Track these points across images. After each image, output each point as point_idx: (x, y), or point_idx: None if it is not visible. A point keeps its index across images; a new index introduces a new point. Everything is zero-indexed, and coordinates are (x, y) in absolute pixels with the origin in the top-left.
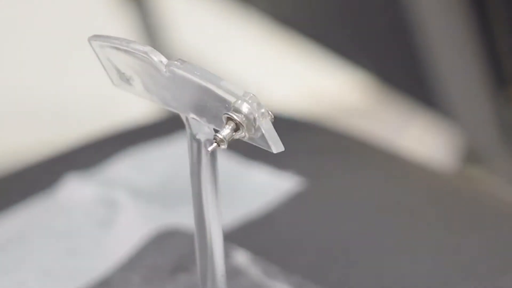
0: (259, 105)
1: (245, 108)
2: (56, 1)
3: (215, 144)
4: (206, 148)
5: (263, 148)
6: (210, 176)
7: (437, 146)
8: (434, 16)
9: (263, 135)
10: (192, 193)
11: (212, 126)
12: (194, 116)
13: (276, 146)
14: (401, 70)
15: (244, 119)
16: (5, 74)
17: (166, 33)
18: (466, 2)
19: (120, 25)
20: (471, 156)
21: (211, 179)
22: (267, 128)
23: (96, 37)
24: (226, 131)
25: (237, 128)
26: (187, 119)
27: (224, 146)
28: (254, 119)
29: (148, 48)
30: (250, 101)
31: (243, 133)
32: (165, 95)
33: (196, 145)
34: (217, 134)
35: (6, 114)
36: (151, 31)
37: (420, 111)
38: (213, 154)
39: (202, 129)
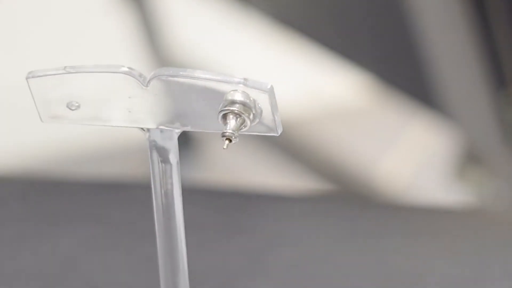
0: (256, 86)
1: (239, 96)
2: (55, 1)
3: (227, 142)
4: (176, 168)
5: (264, 134)
6: (178, 190)
7: (437, 146)
8: (434, 15)
9: (263, 119)
10: (157, 214)
11: (183, 130)
12: (164, 127)
13: (279, 126)
14: (401, 70)
15: (241, 107)
16: (2, 73)
17: (165, 33)
18: (466, 2)
19: (120, 25)
20: (471, 156)
21: (179, 195)
22: (273, 107)
23: (36, 71)
24: (232, 124)
25: (240, 118)
26: (149, 134)
27: (236, 140)
28: (254, 105)
29: (124, 68)
30: (241, 88)
31: (247, 122)
32: (128, 112)
33: (169, 166)
34: (225, 131)
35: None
36: (151, 31)
37: (420, 111)
38: (178, 172)
39: (170, 139)
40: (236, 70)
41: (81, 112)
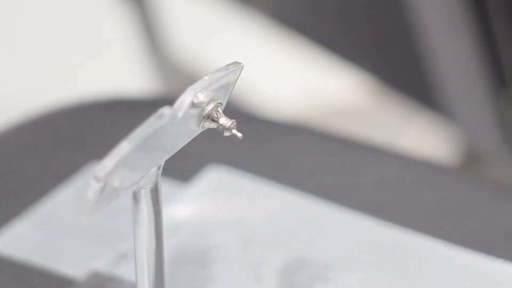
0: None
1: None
2: (54, 1)
3: (231, 132)
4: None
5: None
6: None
7: (437, 146)
8: (434, 16)
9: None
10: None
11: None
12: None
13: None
14: (401, 70)
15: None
16: (1, 72)
17: (166, 33)
18: (466, 1)
19: (120, 25)
20: (471, 156)
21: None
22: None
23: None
24: (222, 120)
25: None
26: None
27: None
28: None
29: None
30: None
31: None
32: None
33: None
34: (225, 123)
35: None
36: (151, 31)
37: (420, 111)
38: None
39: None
40: None
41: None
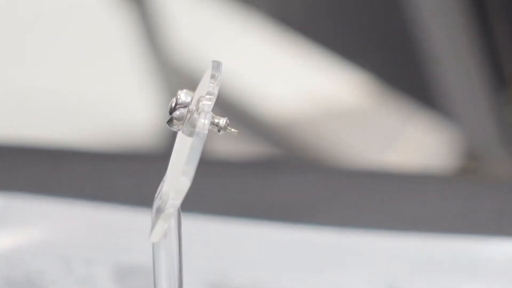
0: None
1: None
2: (55, 1)
3: (226, 130)
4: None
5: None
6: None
7: (437, 146)
8: (434, 16)
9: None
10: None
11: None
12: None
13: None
14: (401, 70)
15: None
16: (4, 72)
17: (166, 33)
18: (466, 2)
19: (120, 25)
20: (471, 156)
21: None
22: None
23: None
24: (216, 120)
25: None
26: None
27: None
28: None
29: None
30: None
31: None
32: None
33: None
34: (220, 122)
35: (9, 111)
36: (151, 31)
37: (420, 111)
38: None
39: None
40: (235, 70)
41: None
